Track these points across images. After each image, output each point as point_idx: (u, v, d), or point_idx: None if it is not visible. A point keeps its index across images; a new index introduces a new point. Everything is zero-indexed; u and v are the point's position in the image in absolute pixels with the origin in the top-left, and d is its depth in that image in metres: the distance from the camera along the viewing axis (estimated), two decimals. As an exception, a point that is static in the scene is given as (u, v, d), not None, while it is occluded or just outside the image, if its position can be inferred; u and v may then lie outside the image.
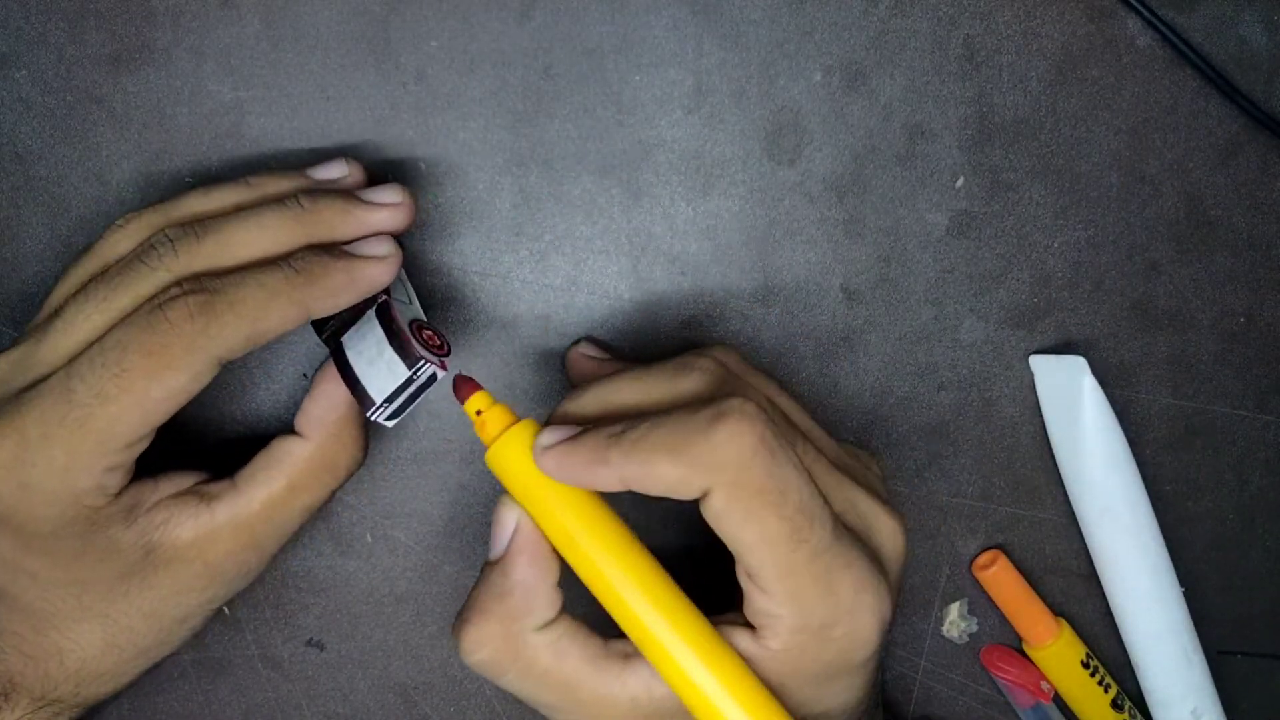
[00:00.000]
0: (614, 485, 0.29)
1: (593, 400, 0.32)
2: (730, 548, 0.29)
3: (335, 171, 0.35)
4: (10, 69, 0.37)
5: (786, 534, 0.29)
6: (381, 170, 0.38)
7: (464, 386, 0.32)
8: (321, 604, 0.40)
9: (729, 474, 0.28)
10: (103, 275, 0.32)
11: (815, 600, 0.29)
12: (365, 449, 0.36)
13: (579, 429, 0.30)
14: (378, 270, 0.33)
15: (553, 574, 0.31)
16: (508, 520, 0.31)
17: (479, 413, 0.31)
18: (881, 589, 0.31)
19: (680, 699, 0.30)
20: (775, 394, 0.35)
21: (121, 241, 0.33)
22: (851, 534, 0.31)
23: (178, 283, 0.31)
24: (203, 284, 0.30)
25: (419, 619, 0.41)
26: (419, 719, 0.41)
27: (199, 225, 0.32)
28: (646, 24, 0.38)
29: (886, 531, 0.33)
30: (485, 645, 0.31)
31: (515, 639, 0.30)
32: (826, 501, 0.30)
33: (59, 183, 0.37)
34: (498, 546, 0.31)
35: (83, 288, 0.32)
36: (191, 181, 0.37)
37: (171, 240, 0.31)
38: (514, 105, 0.38)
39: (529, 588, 0.31)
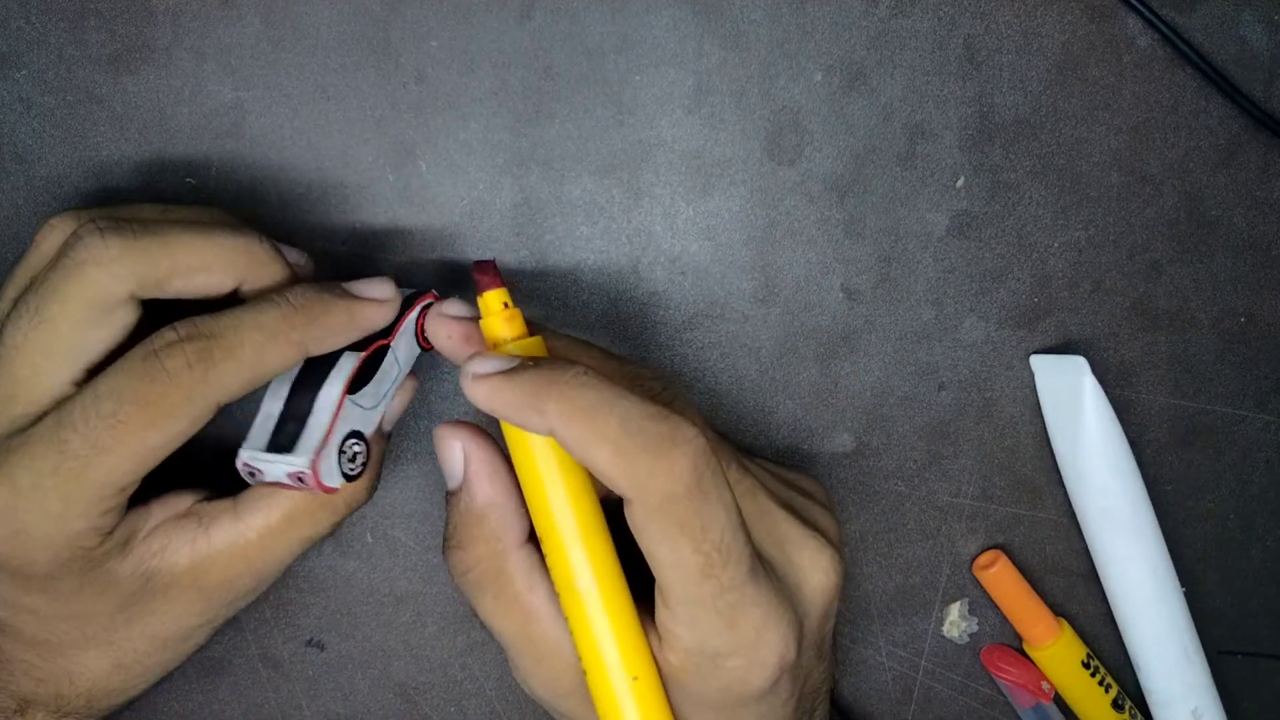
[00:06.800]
0: (541, 433, 0.29)
1: (555, 346, 0.32)
2: (645, 556, 0.29)
3: (294, 256, 0.34)
4: (10, 69, 0.37)
5: (698, 565, 0.28)
6: (382, 172, 0.38)
7: (489, 273, 0.31)
8: (321, 604, 0.40)
9: (658, 498, 0.28)
10: (31, 284, 0.30)
11: (713, 631, 0.29)
12: (372, 488, 0.35)
13: (516, 361, 0.29)
14: (378, 313, 0.32)
15: (516, 490, 0.31)
16: (454, 448, 0.31)
17: (506, 305, 0.30)
18: (787, 629, 0.30)
19: (583, 665, 0.31)
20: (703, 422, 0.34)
21: (47, 243, 0.31)
22: (769, 571, 0.31)
23: (172, 328, 0.29)
24: (198, 328, 0.29)
25: (419, 619, 0.41)
26: (419, 719, 0.41)
27: (137, 224, 0.30)
28: (646, 24, 0.38)
29: (811, 567, 0.33)
30: (473, 567, 0.32)
31: (498, 559, 0.31)
32: (749, 538, 0.30)
33: (59, 183, 0.37)
34: (454, 476, 0.32)
35: (16, 302, 0.30)
36: (192, 182, 0.37)
37: (101, 231, 0.30)
38: (514, 105, 0.38)
39: (499, 505, 0.31)
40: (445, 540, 0.32)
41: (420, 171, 0.38)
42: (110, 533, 0.31)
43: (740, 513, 0.30)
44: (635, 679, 0.30)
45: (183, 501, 0.33)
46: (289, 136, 0.37)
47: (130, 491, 0.30)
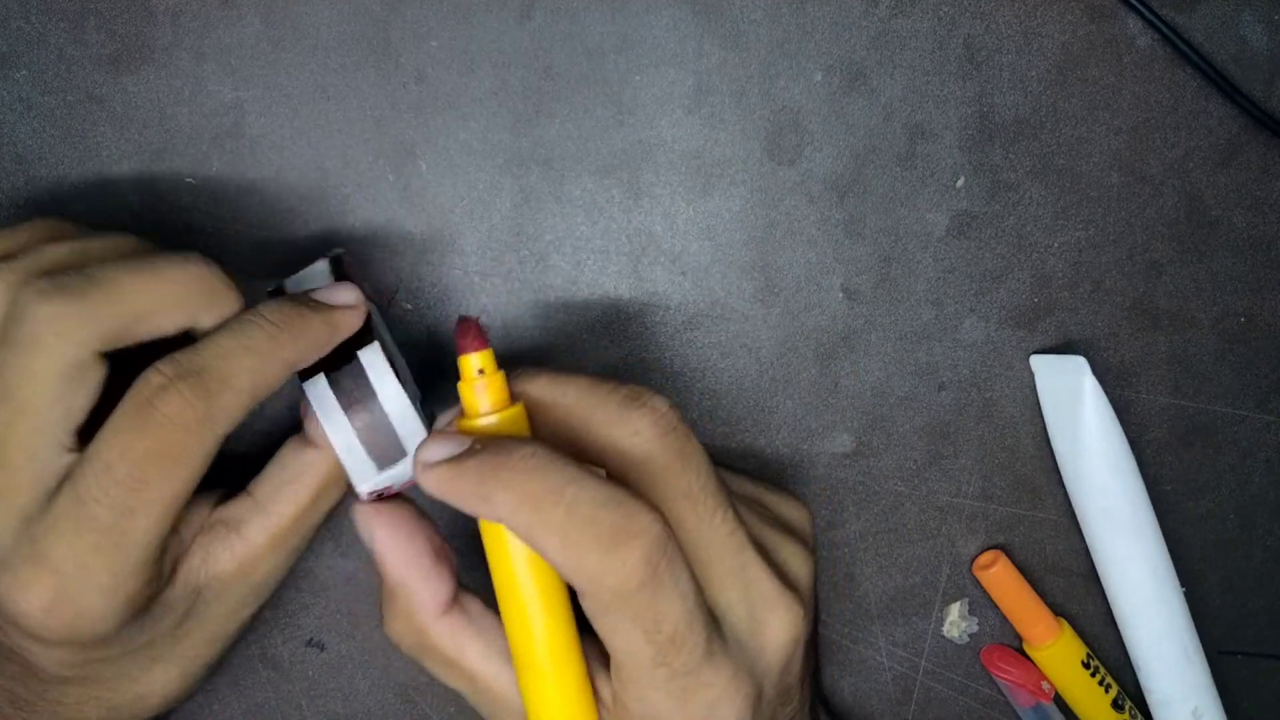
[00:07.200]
0: (491, 521, 0.28)
1: (539, 387, 0.30)
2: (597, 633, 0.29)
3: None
4: (10, 69, 0.37)
5: (650, 656, 0.28)
6: (382, 172, 0.38)
7: (470, 335, 0.29)
8: (321, 604, 0.40)
9: (609, 595, 0.27)
10: None
11: (664, 710, 0.29)
12: None
13: (470, 443, 0.28)
14: (351, 318, 0.32)
15: (423, 558, 0.32)
16: (363, 530, 0.32)
17: (480, 372, 0.28)
18: (742, 701, 0.30)
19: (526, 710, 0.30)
20: (706, 464, 0.32)
21: None
22: (731, 637, 0.30)
23: (156, 371, 0.29)
24: (184, 365, 0.29)
25: (419, 619, 0.41)
26: (419, 719, 0.41)
27: (79, 277, 0.29)
28: (646, 24, 0.38)
29: (778, 627, 0.31)
30: (400, 639, 0.32)
31: (421, 630, 0.32)
32: (709, 618, 0.29)
33: (59, 183, 0.37)
34: (368, 549, 0.33)
35: None
36: (192, 182, 0.37)
37: (45, 294, 0.28)
38: (514, 105, 0.38)
39: (407, 583, 0.32)
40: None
41: (420, 171, 0.38)
42: (156, 574, 0.31)
43: (699, 594, 0.29)
44: None
45: (202, 511, 0.33)
46: (289, 136, 0.37)
47: (166, 537, 0.30)
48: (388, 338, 0.35)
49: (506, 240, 0.39)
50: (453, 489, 0.28)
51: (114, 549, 0.29)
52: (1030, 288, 0.41)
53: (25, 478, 0.29)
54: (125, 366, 0.30)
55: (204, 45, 0.37)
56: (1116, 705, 0.42)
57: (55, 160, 0.37)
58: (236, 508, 0.33)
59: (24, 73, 0.37)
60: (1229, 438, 0.43)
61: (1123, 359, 0.42)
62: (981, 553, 0.42)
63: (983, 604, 0.43)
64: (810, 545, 0.35)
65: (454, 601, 0.32)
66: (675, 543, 0.28)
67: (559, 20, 0.38)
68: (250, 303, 0.32)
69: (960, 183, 0.40)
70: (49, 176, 0.37)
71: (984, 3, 0.39)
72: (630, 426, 0.30)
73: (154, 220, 0.37)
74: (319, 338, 0.31)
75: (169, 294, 0.30)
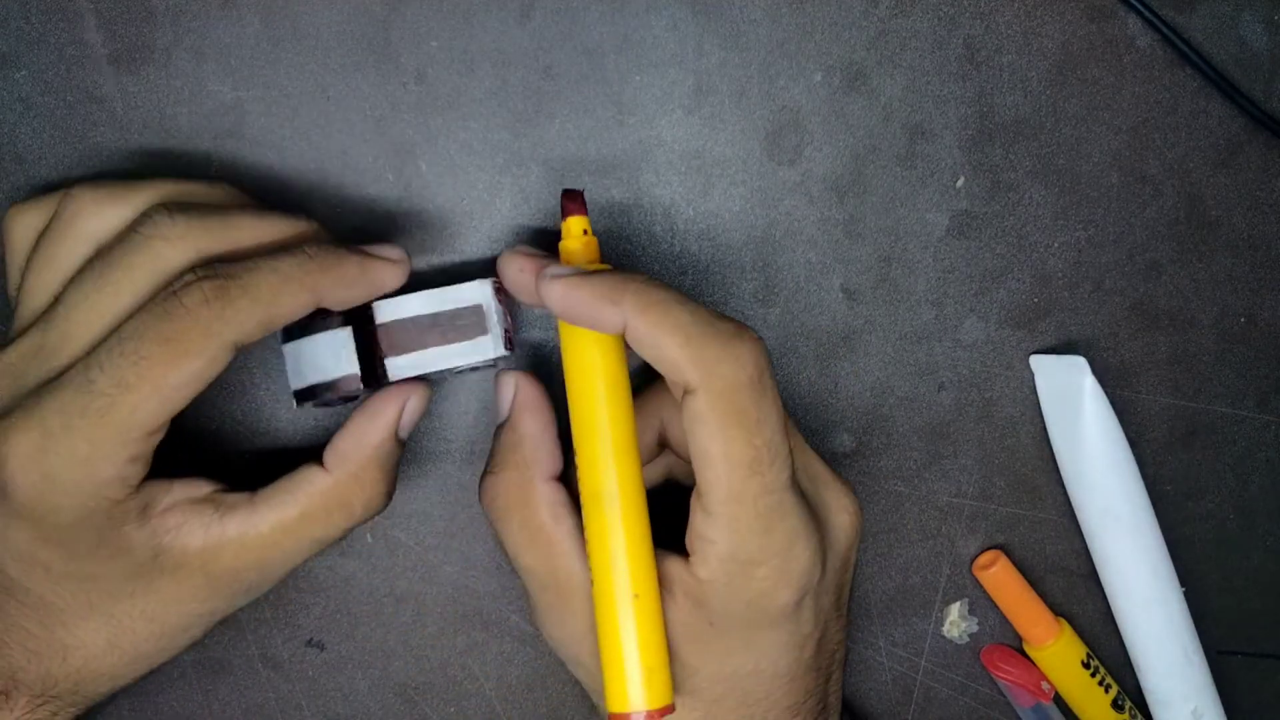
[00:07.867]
0: (615, 328, 0.31)
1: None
2: (693, 458, 0.31)
3: (392, 253, 0.36)
4: (10, 69, 0.37)
5: (748, 460, 0.30)
6: (382, 172, 0.38)
7: (577, 201, 0.33)
8: (321, 604, 0.40)
9: (722, 385, 0.30)
10: (96, 255, 0.32)
11: (750, 534, 0.31)
12: (387, 495, 0.35)
13: (589, 270, 0.32)
14: (389, 272, 0.33)
15: (553, 427, 0.35)
16: (508, 383, 0.35)
17: (586, 232, 0.33)
18: (816, 547, 0.32)
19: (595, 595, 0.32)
20: None
21: (91, 220, 0.32)
22: (801, 493, 0.32)
23: (191, 269, 0.31)
24: (216, 269, 0.30)
25: (419, 619, 0.41)
26: (419, 719, 0.41)
27: (203, 206, 0.32)
28: (646, 24, 0.38)
29: (837, 505, 0.35)
30: (501, 493, 0.35)
31: (526, 486, 0.34)
32: (790, 454, 0.31)
33: (59, 183, 0.37)
34: (504, 408, 0.35)
35: (79, 271, 0.32)
36: (191, 181, 0.37)
37: (169, 211, 0.31)
38: (514, 105, 0.38)
39: (534, 437, 0.35)
40: (483, 471, 0.35)
41: (420, 171, 0.38)
42: (134, 491, 0.31)
43: (785, 422, 0.31)
44: (638, 596, 0.32)
45: (204, 487, 0.34)
46: (289, 136, 0.37)
47: (155, 439, 0.31)
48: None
49: (507, 240, 0.39)
50: (581, 294, 0.31)
51: (100, 419, 0.30)
52: (1030, 288, 0.41)
53: (70, 345, 0.31)
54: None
55: (204, 45, 0.37)
56: (1116, 705, 0.42)
57: (55, 160, 0.37)
58: (234, 497, 0.34)
59: (24, 73, 0.37)
60: (1229, 438, 0.43)
61: (1123, 359, 0.42)
62: (981, 553, 0.42)
63: (983, 604, 0.43)
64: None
65: (559, 478, 0.35)
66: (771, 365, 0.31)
67: (559, 20, 0.38)
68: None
69: (960, 183, 0.40)
70: (49, 176, 0.37)
71: (984, 3, 0.39)
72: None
73: (154, 220, 0.37)
74: (348, 277, 0.32)
75: (268, 237, 0.33)
